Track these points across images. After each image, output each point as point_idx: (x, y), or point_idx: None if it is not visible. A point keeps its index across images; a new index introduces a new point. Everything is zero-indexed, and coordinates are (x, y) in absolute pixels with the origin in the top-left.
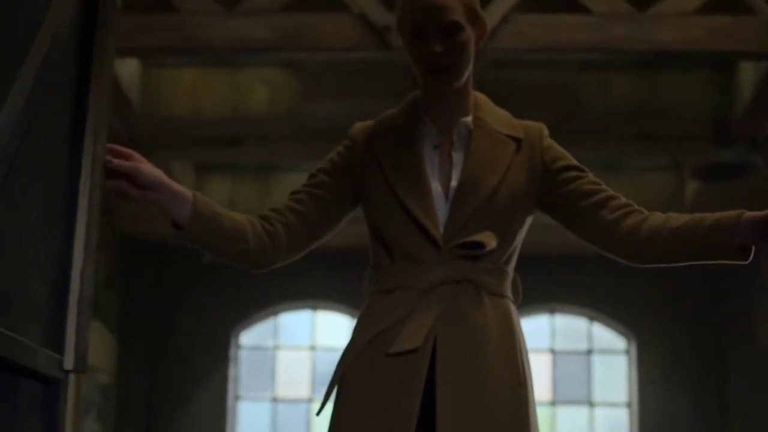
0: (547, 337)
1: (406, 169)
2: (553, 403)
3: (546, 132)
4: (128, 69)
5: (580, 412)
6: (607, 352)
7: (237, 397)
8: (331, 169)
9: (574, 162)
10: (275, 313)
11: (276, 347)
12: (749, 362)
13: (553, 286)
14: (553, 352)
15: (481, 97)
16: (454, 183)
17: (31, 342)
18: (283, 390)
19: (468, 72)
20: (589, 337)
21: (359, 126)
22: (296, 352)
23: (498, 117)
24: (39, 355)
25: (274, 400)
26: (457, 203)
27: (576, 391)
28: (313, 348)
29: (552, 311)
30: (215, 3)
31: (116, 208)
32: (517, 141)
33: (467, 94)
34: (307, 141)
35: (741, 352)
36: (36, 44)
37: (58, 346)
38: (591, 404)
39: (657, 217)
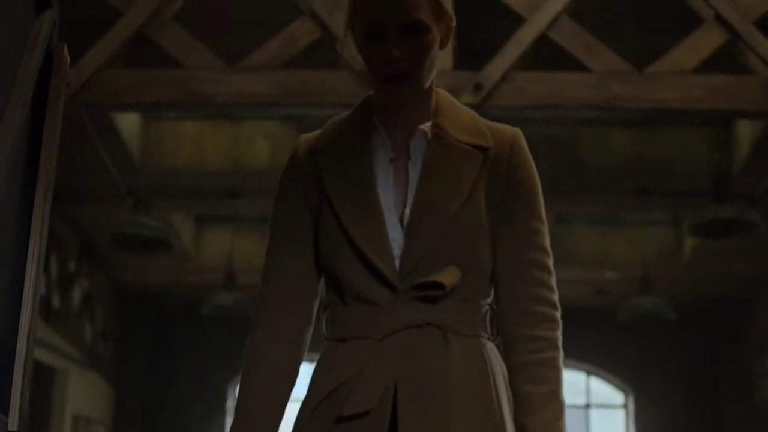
0: None
1: (354, 193)
2: None
3: (520, 143)
4: (129, 121)
5: None
6: (605, 406)
7: None
8: (286, 218)
9: (539, 212)
10: None
11: None
12: (745, 420)
13: None
14: None
15: (443, 97)
16: (408, 208)
17: None
18: None
19: (432, 78)
20: (587, 391)
21: (303, 139)
22: (295, 404)
23: (463, 121)
24: None
25: None
26: (413, 232)
27: None
28: None
29: None
30: (217, 59)
31: (113, 259)
32: (484, 150)
33: (429, 98)
34: None
35: (737, 409)
36: (8, 114)
37: (4, 407)
38: None
39: (525, 354)
